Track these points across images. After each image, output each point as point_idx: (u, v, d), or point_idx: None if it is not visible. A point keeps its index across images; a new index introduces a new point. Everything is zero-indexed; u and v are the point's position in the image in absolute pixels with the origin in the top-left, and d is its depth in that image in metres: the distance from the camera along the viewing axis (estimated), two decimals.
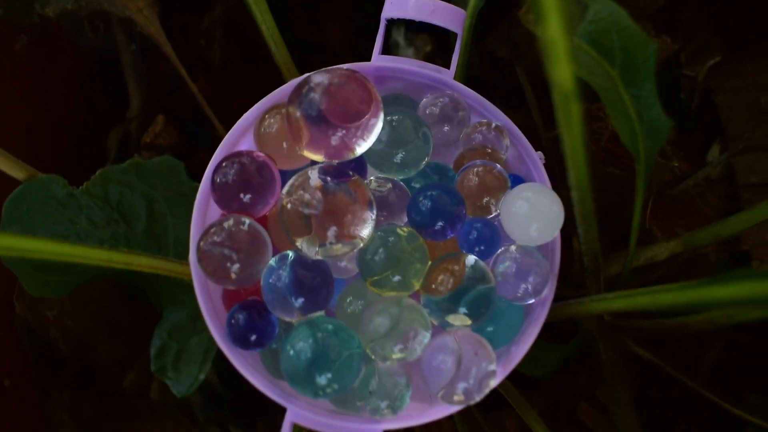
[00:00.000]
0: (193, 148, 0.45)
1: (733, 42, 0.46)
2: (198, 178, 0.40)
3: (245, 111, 0.35)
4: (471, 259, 0.31)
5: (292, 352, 0.30)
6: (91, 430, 0.47)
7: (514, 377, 0.38)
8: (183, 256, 0.39)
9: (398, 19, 0.37)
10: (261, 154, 0.32)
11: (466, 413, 0.38)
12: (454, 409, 0.31)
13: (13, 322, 0.46)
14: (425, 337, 0.30)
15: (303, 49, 0.40)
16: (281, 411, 0.49)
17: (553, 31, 0.20)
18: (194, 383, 0.42)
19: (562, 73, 0.21)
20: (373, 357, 0.30)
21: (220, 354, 0.43)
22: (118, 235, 0.39)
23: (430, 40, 0.45)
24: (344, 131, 0.30)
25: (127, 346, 0.47)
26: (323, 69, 0.30)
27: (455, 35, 0.37)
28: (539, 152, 0.34)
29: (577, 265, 0.40)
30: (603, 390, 0.41)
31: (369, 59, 0.35)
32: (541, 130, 0.42)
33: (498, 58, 0.45)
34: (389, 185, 0.33)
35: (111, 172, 0.38)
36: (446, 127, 0.35)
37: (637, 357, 0.40)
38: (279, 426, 0.49)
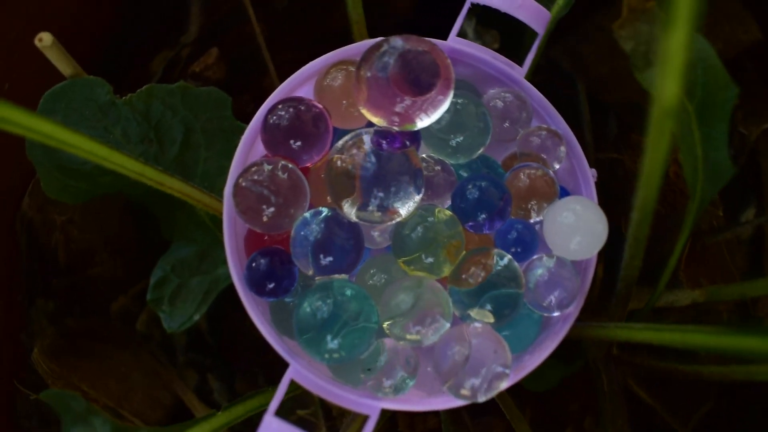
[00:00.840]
0: (239, 89, 0.44)
1: None
2: (239, 119, 0.39)
3: (301, 63, 0.34)
4: (506, 258, 0.30)
5: (308, 309, 0.29)
6: (68, 345, 0.46)
7: (510, 387, 0.38)
8: (209, 191, 0.38)
9: (470, 10, 0.36)
10: (319, 105, 0.32)
11: (454, 414, 0.37)
12: (453, 402, 0.30)
13: (15, 218, 0.45)
14: (443, 326, 0.29)
15: (367, 14, 0.40)
16: (264, 371, 0.48)
17: (677, 41, 0.19)
18: (187, 322, 0.41)
19: (670, 87, 0.20)
20: (388, 333, 0.29)
21: (215, 302, 0.42)
22: (148, 154, 0.38)
23: (499, 38, 0.45)
24: (411, 101, 0.29)
25: (126, 270, 0.46)
26: (404, 35, 0.30)
27: (530, 37, 0.36)
28: (593, 169, 0.34)
29: (596, 292, 0.40)
30: (591, 421, 0.40)
31: (432, 36, 0.34)
32: (590, 150, 0.42)
33: (559, 69, 0.45)
34: (438, 167, 0.32)
35: (157, 90, 0.37)
36: (506, 124, 0.34)
37: (632, 395, 0.40)
38: (257, 385, 0.48)
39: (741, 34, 0.43)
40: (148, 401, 0.45)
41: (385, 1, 0.46)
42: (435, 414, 0.41)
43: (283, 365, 0.31)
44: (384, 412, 0.31)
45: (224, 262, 0.41)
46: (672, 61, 0.19)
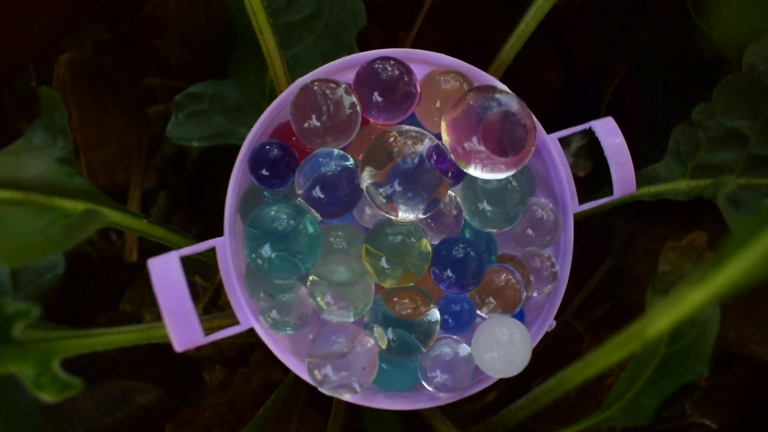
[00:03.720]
0: (377, 21, 0.45)
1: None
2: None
3: (438, 48, 0.35)
4: (436, 319, 0.32)
5: (272, 212, 0.31)
6: (91, 74, 0.47)
7: (349, 407, 0.39)
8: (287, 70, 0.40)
9: (587, 135, 0.38)
10: (419, 89, 0.33)
11: (297, 385, 0.39)
12: (301, 371, 0.32)
13: None
14: (349, 317, 0.31)
15: (517, 73, 0.41)
16: (201, 228, 0.50)
17: (695, 299, 0.20)
18: (184, 140, 0.43)
19: (659, 325, 0.22)
20: (308, 284, 0.31)
21: (217, 148, 0.44)
22: (272, 4, 0.40)
23: (588, 170, 0.46)
24: (480, 149, 0.31)
25: (180, 65, 0.48)
26: (522, 101, 0.31)
27: (604, 189, 0.38)
28: (554, 321, 0.35)
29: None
30: None
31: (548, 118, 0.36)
32: (568, 313, 0.43)
33: (609, 238, 0.46)
34: (455, 212, 0.34)
35: None
36: (529, 231, 0.35)
37: None
38: (187, 232, 0.50)
39: None
40: (105, 167, 0.47)
41: (534, 72, 0.47)
42: (283, 372, 0.43)
43: (217, 234, 0.33)
44: (248, 334, 0.33)
45: (250, 127, 0.43)
46: (678, 308, 0.21)
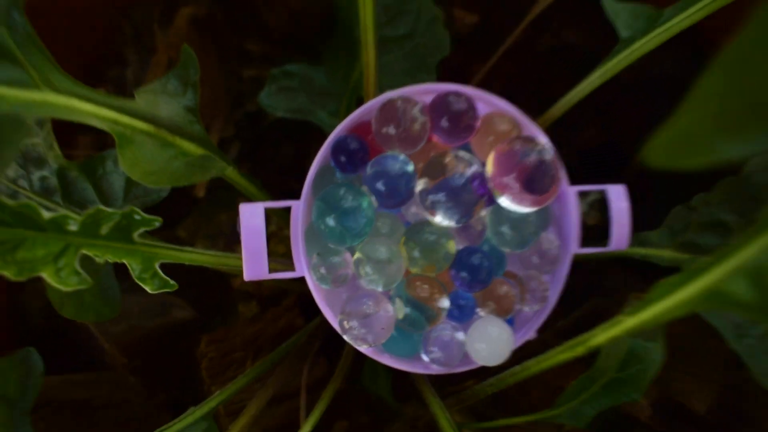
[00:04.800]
0: (461, 47, 0.53)
1: None
2: (441, 67, 0.49)
3: (503, 92, 0.43)
4: (445, 306, 0.40)
5: (341, 191, 0.38)
6: (204, 25, 0.55)
7: (356, 366, 0.47)
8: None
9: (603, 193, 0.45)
10: (479, 123, 0.41)
11: (318, 331, 0.47)
12: (331, 318, 0.40)
13: None
14: (378, 287, 0.39)
15: (559, 128, 0.48)
16: (259, 183, 0.58)
17: (635, 321, 0.29)
18: (272, 108, 0.51)
19: (602, 338, 0.30)
20: (355, 255, 0.39)
21: (290, 122, 0.52)
22: (378, 17, 0.47)
23: (597, 220, 0.54)
24: (512, 183, 0.38)
25: (282, 39, 0.55)
26: (554, 152, 0.39)
27: (604, 241, 0.45)
28: (536, 333, 0.43)
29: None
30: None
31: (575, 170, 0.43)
32: (548, 333, 0.51)
33: (596, 276, 0.54)
34: (480, 228, 0.42)
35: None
36: (534, 258, 0.43)
37: None
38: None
39: None
40: None
41: (576, 129, 0.55)
42: (306, 320, 0.51)
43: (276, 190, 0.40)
44: (285, 281, 0.41)
45: (330, 113, 0.51)
46: (615, 329, 0.29)
